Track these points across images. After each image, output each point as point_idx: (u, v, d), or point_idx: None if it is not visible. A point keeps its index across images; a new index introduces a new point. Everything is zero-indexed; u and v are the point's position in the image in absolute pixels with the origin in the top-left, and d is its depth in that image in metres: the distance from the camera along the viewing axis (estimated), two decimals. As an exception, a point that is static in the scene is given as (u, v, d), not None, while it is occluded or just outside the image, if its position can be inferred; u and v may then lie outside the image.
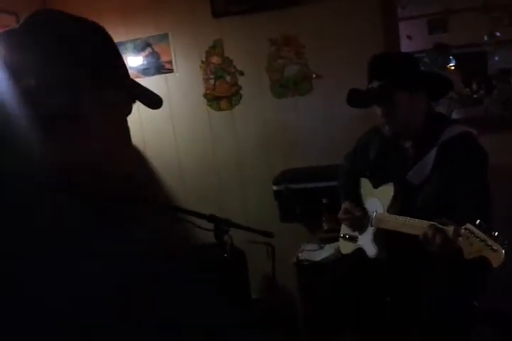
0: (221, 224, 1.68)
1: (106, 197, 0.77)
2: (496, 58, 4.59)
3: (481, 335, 2.13)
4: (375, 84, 1.84)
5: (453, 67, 4.62)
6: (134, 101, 0.81)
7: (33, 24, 0.74)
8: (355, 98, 1.94)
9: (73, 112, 0.70)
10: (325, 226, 2.61)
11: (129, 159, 0.82)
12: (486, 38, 4.44)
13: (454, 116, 3.15)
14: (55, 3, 3.22)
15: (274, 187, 2.73)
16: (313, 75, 2.88)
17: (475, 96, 4.55)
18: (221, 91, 3.05)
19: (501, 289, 2.34)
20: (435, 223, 1.54)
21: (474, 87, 4.79)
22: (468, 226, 1.41)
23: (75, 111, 0.70)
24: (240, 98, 3.03)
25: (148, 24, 3.10)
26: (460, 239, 1.43)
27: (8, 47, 0.72)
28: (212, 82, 3.06)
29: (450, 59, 4.47)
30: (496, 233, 1.35)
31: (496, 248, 1.33)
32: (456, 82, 4.13)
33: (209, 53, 3.04)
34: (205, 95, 3.08)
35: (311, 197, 2.63)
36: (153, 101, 0.84)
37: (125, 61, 0.83)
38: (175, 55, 3.10)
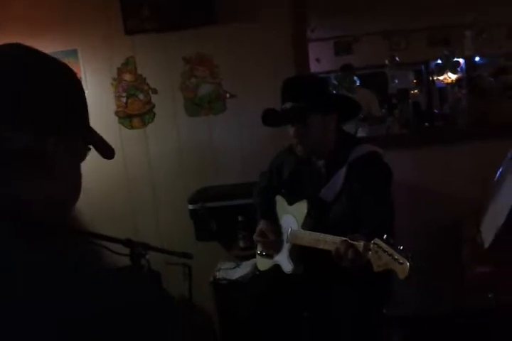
0: (138, 249, 1.64)
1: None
2: (396, 80, 4.94)
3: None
4: (288, 105, 1.91)
5: (358, 87, 4.89)
6: (90, 149, 0.81)
7: (4, 59, 0.71)
8: (270, 117, 2.00)
9: (39, 153, 0.68)
10: (241, 244, 2.63)
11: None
12: (387, 62, 4.79)
13: (360, 133, 3.33)
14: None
15: (190, 206, 2.72)
16: (227, 95, 2.92)
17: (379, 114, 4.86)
18: (134, 109, 3.00)
19: (409, 297, 2.50)
20: (347, 239, 1.61)
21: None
22: (377, 241, 1.50)
23: (41, 153, 0.68)
24: (154, 116, 3.00)
25: (56, 39, 2.98)
26: (370, 253, 1.51)
27: None
28: (124, 99, 3.00)
29: (355, 79, 4.75)
30: (402, 247, 1.45)
31: (401, 261, 1.42)
32: (371, 99, 4.38)
33: (121, 70, 2.99)
34: (117, 113, 3.01)
35: (227, 215, 2.65)
36: (108, 150, 0.85)
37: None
38: (85, 72, 3.01)
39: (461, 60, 5.37)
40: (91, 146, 0.81)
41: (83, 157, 0.80)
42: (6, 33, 2.98)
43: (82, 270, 0.64)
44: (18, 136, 0.67)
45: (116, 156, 2.97)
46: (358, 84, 4.70)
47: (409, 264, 1.40)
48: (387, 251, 1.46)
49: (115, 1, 2.86)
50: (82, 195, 2.79)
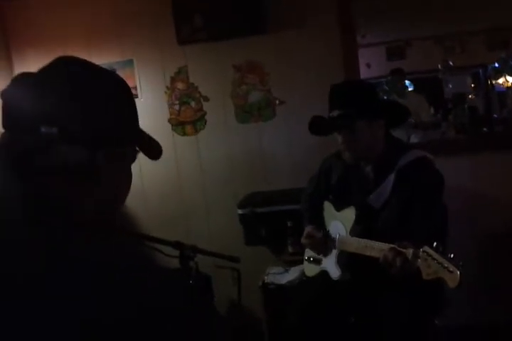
0: (187, 251, 1.69)
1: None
2: (451, 86, 4.80)
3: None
4: (336, 113, 1.91)
5: (411, 90, 4.80)
6: (138, 151, 0.83)
7: (57, 72, 0.73)
8: (317, 125, 2.00)
9: (91, 165, 0.71)
10: (290, 250, 2.64)
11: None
12: (440, 67, 4.67)
13: (413, 139, 3.27)
14: (16, 29, 3.22)
15: (239, 211, 2.76)
16: (277, 101, 2.95)
17: (432, 119, 4.74)
18: (186, 116, 3.09)
19: (461, 307, 2.42)
20: (395, 246, 1.59)
21: (432, 110, 4.99)
22: (426, 248, 1.47)
23: (93, 165, 0.71)
24: (205, 123, 3.07)
25: (113, 50, 3.12)
26: (419, 261, 1.49)
27: (28, 91, 0.71)
28: (177, 107, 3.09)
29: (408, 84, 4.66)
30: (452, 255, 1.41)
31: (452, 269, 1.38)
32: (421, 104, 4.29)
33: (174, 79, 3.08)
34: (170, 120, 3.11)
35: (276, 220, 2.66)
36: (155, 151, 0.87)
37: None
38: (140, 81, 3.13)
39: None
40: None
41: (132, 160, 0.82)
42: (67, 48, 3.15)
43: (127, 272, 0.66)
44: (72, 150, 0.69)
45: (169, 162, 3.08)
46: (410, 89, 4.61)
47: (460, 273, 1.37)
48: (436, 259, 1.43)
49: (168, 12, 2.96)
50: (139, 199, 2.91)
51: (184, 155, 3.10)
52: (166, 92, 3.10)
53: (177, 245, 1.70)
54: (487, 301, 2.67)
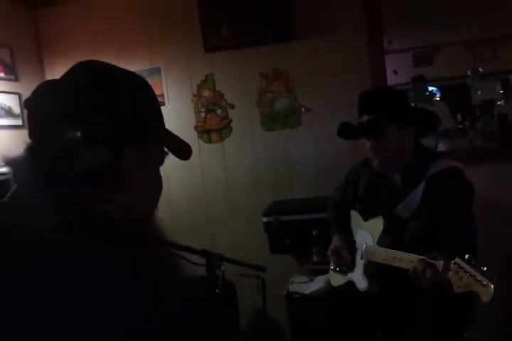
0: (213, 259, 1.69)
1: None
2: (479, 92, 4.72)
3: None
4: (365, 118, 1.89)
5: (438, 99, 4.74)
6: (168, 153, 0.82)
7: (78, 76, 0.73)
8: (346, 131, 1.98)
9: (116, 168, 0.70)
10: (315, 259, 2.62)
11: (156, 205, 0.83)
12: (469, 73, 4.59)
13: (441, 147, 3.21)
14: (48, 37, 3.29)
15: (264, 219, 2.75)
16: (303, 109, 2.94)
17: (460, 127, 4.66)
18: (212, 124, 3.10)
19: (490, 320, 2.36)
20: (425, 257, 1.56)
21: (459, 118, 4.91)
22: (458, 260, 1.44)
23: (116, 168, 0.70)
24: (231, 131, 3.08)
25: (141, 58, 3.17)
26: (450, 273, 1.45)
27: (50, 97, 0.71)
28: (203, 115, 3.11)
29: (435, 91, 4.59)
30: (485, 268, 1.38)
31: (485, 283, 1.35)
32: (443, 113, 4.23)
33: (200, 87, 3.10)
34: (196, 128, 3.12)
35: (301, 228, 2.65)
36: (184, 151, 0.84)
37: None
38: (167, 89, 3.16)
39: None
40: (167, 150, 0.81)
41: (160, 162, 0.80)
42: (96, 56, 3.19)
43: (153, 282, 0.65)
44: (95, 153, 0.67)
45: (195, 169, 3.10)
46: (437, 96, 4.54)
47: (494, 287, 1.33)
48: (469, 272, 1.39)
49: (195, 20, 2.99)
50: (165, 205, 2.90)
51: (210, 162, 3.11)
52: (192, 100, 3.13)
53: (204, 253, 1.70)
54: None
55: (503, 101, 5.08)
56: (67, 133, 0.67)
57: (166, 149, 0.81)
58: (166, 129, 0.82)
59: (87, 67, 0.75)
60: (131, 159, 0.71)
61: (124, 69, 0.79)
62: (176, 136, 0.83)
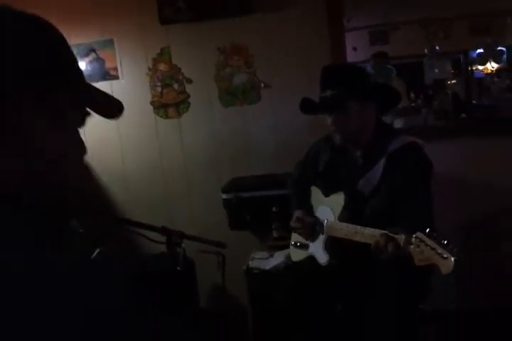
0: (174, 237, 1.66)
1: (54, 212, 0.70)
2: (436, 70, 4.81)
3: (427, 337, 2.20)
4: (328, 93, 1.88)
5: (394, 76, 4.80)
6: (88, 113, 0.70)
7: None
8: (308, 106, 1.97)
9: (12, 122, 0.59)
10: (275, 234, 2.63)
11: (79, 173, 0.71)
12: (426, 51, 4.67)
13: (396, 125, 3.27)
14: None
15: (224, 196, 2.72)
16: (262, 84, 2.90)
17: (413, 105, 4.76)
18: (169, 98, 3.01)
19: (442, 291, 2.45)
20: (386, 232, 1.58)
21: (412, 96, 5.01)
22: (419, 234, 1.47)
23: (15, 121, 0.59)
24: (188, 106, 3.00)
25: (93, 29, 3.02)
26: (411, 247, 1.48)
27: None
28: (159, 89, 3.02)
29: (392, 69, 4.64)
30: (446, 241, 1.41)
31: (446, 256, 1.38)
32: (401, 91, 4.29)
33: (156, 60, 3.00)
34: (152, 103, 3.03)
35: (261, 205, 2.64)
36: (110, 109, 0.74)
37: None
38: (120, 62, 3.03)
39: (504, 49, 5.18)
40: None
41: (77, 122, 0.69)
42: (44, 17, 3.02)
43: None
44: None
45: (151, 145, 3.01)
46: (394, 73, 4.60)
47: (454, 259, 1.37)
48: (429, 245, 1.42)
49: (150, -10, 2.86)
50: (121, 182, 2.84)
51: (166, 138, 3.04)
52: (147, 74, 3.02)
53: (164, 231, 1.66)
54: (474, 287, 2.71)
55: (454, 81, 5.22)
56: None
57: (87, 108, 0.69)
58: (86, 84, 0.70)
59: None
60: (31, 111, 0.60)
61: (22, 12, 0.66)
62: (101, 92, 0.72)
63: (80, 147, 0.70)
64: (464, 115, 3.97)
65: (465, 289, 2.73)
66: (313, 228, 2.01)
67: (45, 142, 0.62)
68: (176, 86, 3.01)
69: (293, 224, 2.06)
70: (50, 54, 0.64)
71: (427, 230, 1.45)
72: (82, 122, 0.70)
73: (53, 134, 0.64)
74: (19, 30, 0.62)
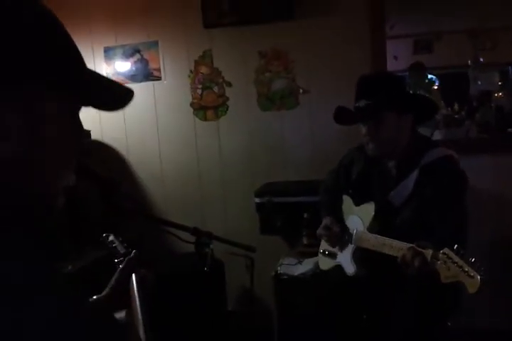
0: (203, 238, 1.68)
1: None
2: (479, 82, 4.69)
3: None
4: (362, 103, 1.87)
5: (436, 87, 4.71)
6: (89, 98, 0.65)
7: None
8: (342, 115, 1.97)
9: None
10: (304, 241, 2.63)
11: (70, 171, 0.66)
12: (470, 63, 4.56)
13: (436, 136, 3.21)
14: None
15: (257, 200, 2.74)
16: (300, 90, 2.91)
17: (456, 116, 4.65)
18: (208, 101, 3.06)
19: (475, 309, 2.39)
20: (414, 245, 1.56)
21: (456, 107, 4.90)
22: (446, 250, 1.44)
23: None
24: (227, 109, 3.04)
25: (139, 31, 3.10)
26: (438, 262, 1.46)
27: None
28: (199, 91, 3.07)
29: (431, 80, 4.55)
30: (473, 259, 1.38)
31: (472, 274, 1.35)
32: (438, 102, 4.22)
33: (198, 63, 3.05)
34: (192, 104, 3.08)
35: (293, 211, 2.65)
36: (114, 99, 0.67)
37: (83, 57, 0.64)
38: (163, 63, 3.11)
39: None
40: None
41: (73, 107, 0.64)
42: (92, 25, 3.13)
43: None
44: None
45: (189, 146, 3.07)
46: (436, 84, 4.51)
47: (481, 278, 1.34)
48: (457, 262, 1.40)
49: (196, -5, 2.92)
50: (158, 181, 2.90)
51: (204, 140, 3.09)
52: (189, 76, 3.08)
53: (194, 231, 1.69)
54: (508, 306, 2.64)
55: (501, 93, 5.06)
56: None
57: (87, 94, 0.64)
58: (88, 70, 0.65)
59: None
60: (18, 108, 0.56)
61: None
62: (106, 79, 0.66)
63: (76, 134, 0.66)
64: (510, 129, 3.85)
65: (498, 308, 2.65)
66: (340, 237, 2.00)
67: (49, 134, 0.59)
68: (215, 89, 3.05)
69: (320, 231, 2.06)
70: (43, 44, 0.59)
71: (455, 246, 1.42)
72: (77, 106, 0.66)
73: (52, 127, 0.60)
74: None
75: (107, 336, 0.57)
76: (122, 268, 1.30)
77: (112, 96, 0.67)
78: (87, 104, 0.65)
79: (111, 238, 1.56)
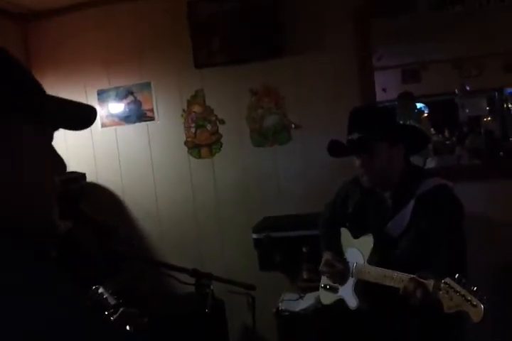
0: (203, 279, 1.67)
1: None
2: (467, 110, 4.77)
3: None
4: (355, 135, 1.90)
5: (425, 115, 4.78)
6: (56, 128, 0.69)
7: None
8: (336, 148, 1.99)
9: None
10: (304, 276, 2.60)
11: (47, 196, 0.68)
12: (456, 91, 4.65)
13: (429, 164, 3.23)
14: (37, 51, 3.28)
15: (254, 235, 2.73)
16: (292, 125, 2.95)
17: (447, 142, 4.70)
18: (202, 139, 3.10)
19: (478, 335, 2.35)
20: (415, 276, 1.56)
21: (446, 134, 4.96)
22: (448, 280, 1.44)
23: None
24: (221, 146, 3.08)
25: (131, 73, 3.17)
26: (440, 293, 1.45)
27: None
28: (193, 130, 3.11)
29: (420, 109, 4.62)
30: (475, 287, 1.38)
31: (475, 303, 1.35)
32: (427, 129, 4.27)
33: (190, 102, 3.11)
34: (186, 143, 3.12)
35: (291, 245, 2.64)
36: (77, 119, 0.71)
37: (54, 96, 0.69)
38: (156, 104, 3.16)
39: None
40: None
41: (42, 138, 0.67)
42: (85, 69, 3.20)
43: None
44: None
45: (184, 185, 3.08)
46: (425, 112, 4.57)
47: (484, 307, 1.33)
48: (459, 292, 1.39)
49: (186, 36, 3.00)
50: (153, 220, 2.89)
51: (199, 178, 3.11)
52: (182, 115, 3.13)
53: (193, 273, 1.68)
54: (506, 334, 2.60)
55: (489, 118, 5.14)
56: None
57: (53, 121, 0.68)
58: (47, 96, 0.68)
59: None
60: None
61: None
62: (67, 100, 0.69)
63: (57, 162, 0.69)
64: (501, 154, 3.89)
65: (502, 335, 2.61)
66: (342, 273, 1.99)
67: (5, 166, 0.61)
68: (209, 127, 3.10)
69: (322, 268, 2.05)
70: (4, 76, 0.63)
71: (456, 276, 1.42)
72: (48, 137, 0.69)
73: (13, 156, 0.62)
74: None
75: (106, 335, 0.59)
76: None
77: (78, 116, 0.71)
78: (55, 127, 0.69)
79: (100, 290, 1.56)
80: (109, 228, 1.28)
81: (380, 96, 3.23)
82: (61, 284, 0.59)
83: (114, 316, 1.34)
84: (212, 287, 1.76)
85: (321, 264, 2.05)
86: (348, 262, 2.00)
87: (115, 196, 3.21)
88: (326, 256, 2.06)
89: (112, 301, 1.47)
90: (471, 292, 1.37)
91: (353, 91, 2.85)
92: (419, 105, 4.77)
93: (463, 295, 1.38)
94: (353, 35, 2.84)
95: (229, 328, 2.79)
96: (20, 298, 0.52)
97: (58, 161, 0.70)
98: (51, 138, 0.69)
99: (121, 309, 1.35)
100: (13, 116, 0.62)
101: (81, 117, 0.71)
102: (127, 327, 1.34)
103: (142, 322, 1.45)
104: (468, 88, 4.31)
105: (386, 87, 4.30)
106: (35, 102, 0.66)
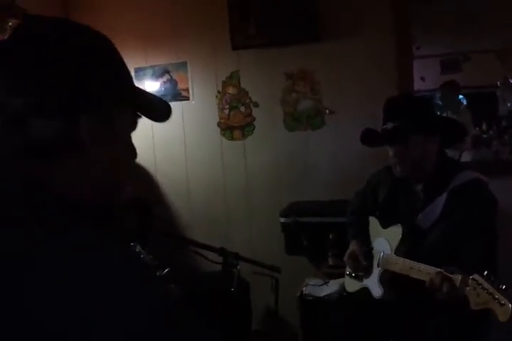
0: (230, 258, 1.70)
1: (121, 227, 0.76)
2: (508, 104, 4.64)
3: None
4: (390, 125, 1.87)
5: (465, 107, 4.67)
6: (140, 116, 0.73)
7: (21, 35, 0.63)
8: (369, 137, 1.97)
9: (70, 137, 0.61)
10: (330, 262, 2.61)
11: (131, 177, 0.75)
12: (499, 84, 4.52)
13: (464, 158, 3.17)
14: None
15: (282, 219, 2.75)
16: (327, 111, 2.93)
17: (485, 136, 4.60)
18: (235, 121, 3.11)
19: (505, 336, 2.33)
20: (442, 270, 1.54)
21: (484, 127, 4.85)
22: (476, 276, 1.42)
23: (73, 136, 0.61)
24: (253, 129, 3.08)
25: (168, 52, 3.18)
26: (467, 289, 1.44)
27: None
28: (227, 111, 3.12)
29: (461, 100, 4.51)
30: (504, 286, 1.36)
31: (503, 302, 1.33)
32: (466, 121, 4.17)
33: (225, 84, 3.11)
34: (219, 124, 3.13)
35: (318, 231, 2.64)
36: (159, 112, 0.76)
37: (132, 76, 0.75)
38: (192, 84, 3.17)
39: None
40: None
41: (129, 126, 0.71)
42: (123, 46, 3.21)
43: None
44: (44, 123, 0.60)
45: (215, 165, 3.11)
46: (464, 104, 4.47)
47: (512, 306, 1.31)
48: (487, 289, 1.37)
49: (224, 17, 2.99)
50: (184, 199, 2.94)
51: (231, 159, 3.12)
52: (216, 96, 3.13)
53: (221, 252, 1.71)
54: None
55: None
56: (11, 102, 0.59)
57: (138, 112, 0.73)
58: (137, 89, 0.73)
59: (30, 24, 0.65)
60: (89, 126, 0.62)
61: (74, 24, 0.68)
62: (150, 95, 0.75)
63: (132, 151, 0.74)
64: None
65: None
66: (365, 264, 1.99)
67: (100, 153, 0.65)
68: (242, 109, 3.10)
69: (346, 259, 2.05)
70: (108, 66, 0.68)
71: (485, 273, 1.40)
72: (133, 126, 0.73)
73: (112, 142, 0.67)
74: (70, 44, 0.65)
75: (182, 313, 0.65)
76: None
77: (158, 108, 0.76)
78: (141, 115, 0.74)
79: (138, 248, 1.60)
80: (146, 203, 1.31)
81: (417, 85, 3.18)
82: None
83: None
84: (239, 268, 1.79)
85: (346, 254, 2.05)
86: (374, 251, 2.00)
87: (148, 173, 3.26)
88: (352, 245, 2.05)
89: (149, 262, 1.50)
90: (500, 290, 1.35)
91: (390, 79, 2.79)
92: (459, 96, 4.66)
93: (491, 293, 1.37)
94: (392, 22, 2.78)
95: (252, 308, 2.83)
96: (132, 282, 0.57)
97: (135, 149, 0.75)
98: (136, 126, 0.74)
99: (167, 269, 1.39)
100: (117, 105, 0.67)
101: (162, 110, 0.77)
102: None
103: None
104: (511, 81, 4.18)
105: (424, 77, 4.22)
106: (135, 92, 0.72)
